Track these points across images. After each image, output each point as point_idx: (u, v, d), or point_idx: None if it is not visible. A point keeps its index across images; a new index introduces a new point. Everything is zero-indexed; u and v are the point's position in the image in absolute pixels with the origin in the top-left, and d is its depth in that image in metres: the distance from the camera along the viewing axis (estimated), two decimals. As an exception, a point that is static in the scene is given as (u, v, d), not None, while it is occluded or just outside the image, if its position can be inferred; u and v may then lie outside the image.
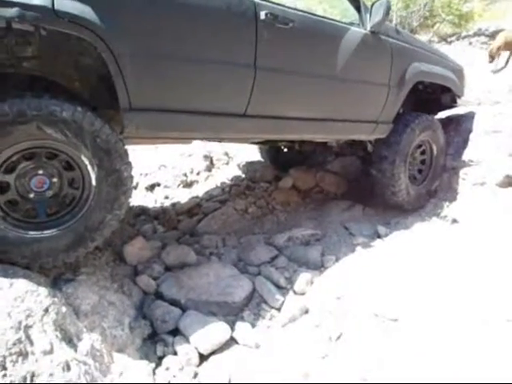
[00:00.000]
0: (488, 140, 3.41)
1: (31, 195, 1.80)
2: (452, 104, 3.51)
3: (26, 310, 1.48)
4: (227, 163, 4.37)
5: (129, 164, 1.93)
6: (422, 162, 3.43)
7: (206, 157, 4.35)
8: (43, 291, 1.63)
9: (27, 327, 1.43)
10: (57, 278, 1.88)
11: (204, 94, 2.10)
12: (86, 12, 1.60)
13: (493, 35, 8.61)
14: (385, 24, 2.73)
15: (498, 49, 7.13)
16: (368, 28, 2.66)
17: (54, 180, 1.83)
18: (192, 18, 1.94)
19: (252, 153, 4.45)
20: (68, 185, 1.87)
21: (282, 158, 4.18)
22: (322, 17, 2.55)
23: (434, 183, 3.45)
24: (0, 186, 1.74)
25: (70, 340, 1.58)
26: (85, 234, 1.88)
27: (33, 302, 1.56)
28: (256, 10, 2.12)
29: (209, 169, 4.32)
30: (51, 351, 1.42)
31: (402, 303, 1.95)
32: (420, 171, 3.43)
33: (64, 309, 1.65)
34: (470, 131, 3.58)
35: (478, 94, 4.15)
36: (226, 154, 4.44)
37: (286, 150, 4.15)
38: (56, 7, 1.55)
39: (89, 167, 1.83)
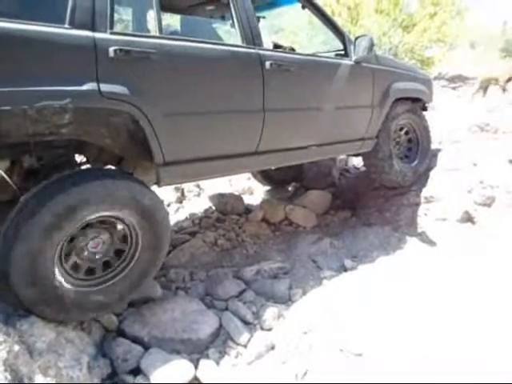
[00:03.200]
0: (448, 177, 3.59)
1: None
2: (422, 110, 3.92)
3: (-26, 349, 1.40)
4: (198, 195, 4.36)
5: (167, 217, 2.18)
6: (409, 140, 3.79)
7: (176, 188, 4.33)
8: (-6, 328, 1.54)
9: (-27, 368, 1.35)
10: (10, 313, 1.79)
11: (223, 141, 2.35)
12: (125, 89, 1.84)
13: (452, 79, 9.23)
14: None
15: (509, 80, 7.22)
16: (353, 59, 3.00)
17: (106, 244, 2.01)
18: (209, 76, 2.20)
19: (223, 185, 4.48)
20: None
21: (276, 176, 4.46)
22: (315, 55, 2.92)
23: (424, 162, 3.77)
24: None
25: (20, 381, 1.49)
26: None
27: (-18, 340, 1.48)
28: (261, 60, 2.39)
29: (179, 200, 4.30)
30: (-2, 394, 1.33)
31: (366, 338, 1.96)
32: (409, 149, 3.77)
33: (16, 347, 1.56)
34: (431, 169, 3.76)
35: (439, 134, 4.39)
36: (198, 185, 4.45)
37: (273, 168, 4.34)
38: (101, 90, 1.77)
39: (137, 228, 2.03)
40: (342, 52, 3.07)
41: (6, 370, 1.44)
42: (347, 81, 2.93)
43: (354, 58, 3.00)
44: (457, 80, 9.30)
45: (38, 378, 1.56)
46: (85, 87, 1.73)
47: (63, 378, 1.67)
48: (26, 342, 1.68)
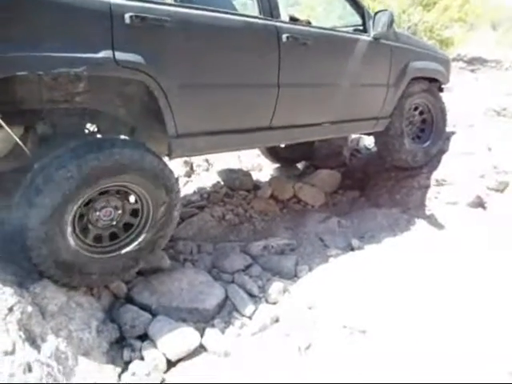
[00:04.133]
0: (461, 161, 3.54)
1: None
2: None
3: (-11, 308, 1.44)
4: (207, 170, 4.37)
5: (180, 200, 2.18)
6: (423, 121, 3.69)
7: (186, 162, 4.33)
8: (8, 290, 1.59)
9: (-11, 326, 1.40)
10: (24, 276, 1.83)
11: (236, 115, 2.35)
12: (140, 58, 1.82)
13: (471, 61, 8.96)
14: None
15: None
16: (371, 35, 2.92)
17: (119, 212, 2.02)
18: (224, 48, 2.17)
19: (232, 160, 4.47)
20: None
21: (285, 155, 4.44)
22: (333, 29, 2.83)
23: (437, 144, 3.69)
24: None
25: (33, 341, 1.54)
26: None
27: (-3, 299, 1.52)
28: (278, 33, 2.34)
29: (188, 175, 4.30)
30: (13, 351, 1.38)
31: (371, 315, 1.99)
32: (423, 130, 3.69)
33: (30, 308, 1.61)
34: (444, 152, 3.70)
35: (454, 117, 4.31)
36: (207, 160, 4.45)
37: (283, 145, 4.35)
38: (117, 58, 1.75)
39: (150, 202, 2.04)
40: (361, 27, 3.00)
41: (20, 330, 1.50)
42: (364, 57, 2.87)
43: (372, 33, 2.93)
44: (475, 62, 9.02)
45: (51, 338, 1.61)
46: (100, 54, 1.71)
47: (74, 339, 1.73)
48: (39, 304, 1.74)
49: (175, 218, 2.15)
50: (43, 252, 1.78)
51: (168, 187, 2.06)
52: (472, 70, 9.02)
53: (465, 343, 1.72)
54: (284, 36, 2.34)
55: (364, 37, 2.90)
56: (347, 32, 2.96)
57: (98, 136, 2.25)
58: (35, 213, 1.71)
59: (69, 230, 1.84)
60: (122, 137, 2.13)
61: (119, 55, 1.76)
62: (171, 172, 2.09)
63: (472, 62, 8.99)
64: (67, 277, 1.88)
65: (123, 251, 2.03)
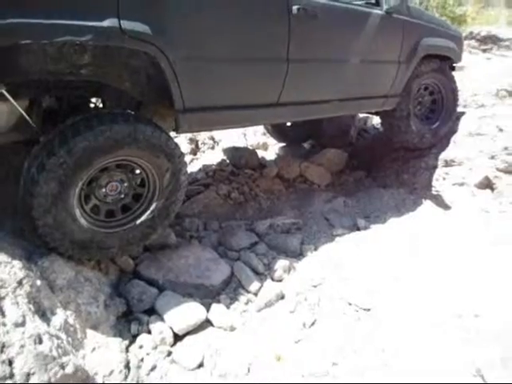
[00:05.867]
0: (471, 142, 3.48)
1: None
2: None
3: (-1, 281, 1.46)
4: (212, 148, 4.34)
5: (185, 163, 2.15)
6: (433, 101, 3.61)
7: (191, 140, 4.30)
8: (17, 263, 1.60)
9: (-1, 298, 1.41)
10: (32, 251, 1.85)
11: (244, 90, 2.30)
12: (147, 28, 1.76)
13: (483, 40, 8.72)
14: None
15: None
16: (384, 9, 2.82)
17: (125, 184, 2.01)
18: (233, 19, 2.10)
19: (238, 138, 4.43)
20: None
21: (291, 134, 4.39)
22: (344, 2, 2.69)
23: (447, 125, 3.61)
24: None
25: (43, 313, 1.56)
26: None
27: (6, 273, 1.54)
28: (288, 4, 2.24)
29: (194, 152, 4.28)
30: (23, 323, 1.40)
31: (376, 293, 2.00)
32: (432, 111, 3.60)
33: (39, 282, 1.63)
34: (454, 132, 3.64)
35: (464, 97, 4.22)
36: (212, 138, 4.41)
37: (289, 124, 4.31)
38: (123, 27, 1.69)
39: (153, 171, 2.02)
40: (373, 0, 2.88)
41: (29, 303, 1.51)
42: (376, 33, 2.78)
43: (385, 7, 2.83)
44: (488, 41, 8.77)
45: (59, 311, 1.64)
46: (106, 23, 1.65)
47: (82, 313, 1.75)
48: (48, 278, 1.76)
49: (183, 182, 2.14)
50: (57, 236, 1.80)
51: (168, 153, 2.02)
52: (484, 50, 8.78)
53: (465, 320, 1.73)
54: (295, 8, 2.25)
55: (376, 10, 2.80)
56: (359, 5, 2.84)
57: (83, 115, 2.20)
58: (37, 203, 1.72)
59: (77, 212, 1.85)
60: (110, 111, 2.06)
61: (125, 24, 1.70)
62: (169, 138, 2.04)
63: (485, 40, 8.73)
64: (87, 254, 1.92)
65: (138, 221, 2.05)
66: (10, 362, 1.27)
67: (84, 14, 1.61)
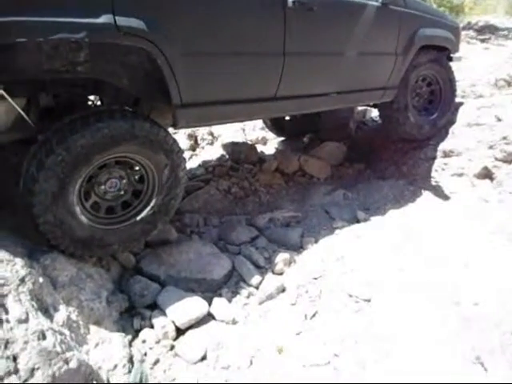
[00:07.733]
0: (470, 132, 3.47)
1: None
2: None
3: (1, 278, 1.47)
4: (212, 143, 4.34)
5: (184, 159, 2.16)
6: (431, 92, 3.59)
7: (190, 136, 4.30)
8: (19, 261, 1.61)
9: (2, 296, 1.42)
10: (34, 249, 1.86)
11: (241, 84, 2.29)
12: (142, 24, 1.75)
13: (481, 30, 8.67)
14: None
15: None
16: (380, 0, 2.81)
17: (124, 181, 2.02)
18: (229, 14, 2.09)
19: (237, 134, 4.43)
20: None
21: (289, 128, 4.39)
22: None
23: (446, 115, 3.60)
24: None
25: (46, 310, 1.58)
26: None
27: (9, 271, 1.55)
28: None
29: (193, 148, 4.28)
30: (26, 320, 1.41)
31: (376, 284, 2.01)
32: (430, 102, 3.59)
33: (41, 279, 1.64)
34: (452, 123, 3.64)
35: (463, 87, 4.21)
36: (211, 133, 4.41)
37: (287, 118, 4.31)
38: (118, 23, 1.69)
39: (152, 167, 2.03)
40: None
41: (32, 299, 1.52)
42: (372, 24, 2.76)
43: None
44: (486, 31, 8.73)
45: (62, 307, 1.65)
46: (101, 20, 1.65)
47: (84, 309, 1.77)
48: (50, 275, 1.77)
49: (182, 177, 2.15)
50: (58, 234, 1.82)
51: (166, 149, 2.03)
52: (482, 40, 8.74)
53: (463, 312, 1.74)
54: (290, 1, 2.24)
55: (372, 2, 2.78)
56: None
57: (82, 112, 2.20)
58: (37, 201, 1.74)
59: (77, 209, 1.86)
60: (107, 108, 2.08)
61: (120, 20, 1.69)
62: (167, 134, 2.05)
63: (483, 30, 8.68)
64: (88, 251, 1.94)
65: (138, 218, 2.06)
66: (15, 358, 1.28)
67: (79, 10, 1.61)
